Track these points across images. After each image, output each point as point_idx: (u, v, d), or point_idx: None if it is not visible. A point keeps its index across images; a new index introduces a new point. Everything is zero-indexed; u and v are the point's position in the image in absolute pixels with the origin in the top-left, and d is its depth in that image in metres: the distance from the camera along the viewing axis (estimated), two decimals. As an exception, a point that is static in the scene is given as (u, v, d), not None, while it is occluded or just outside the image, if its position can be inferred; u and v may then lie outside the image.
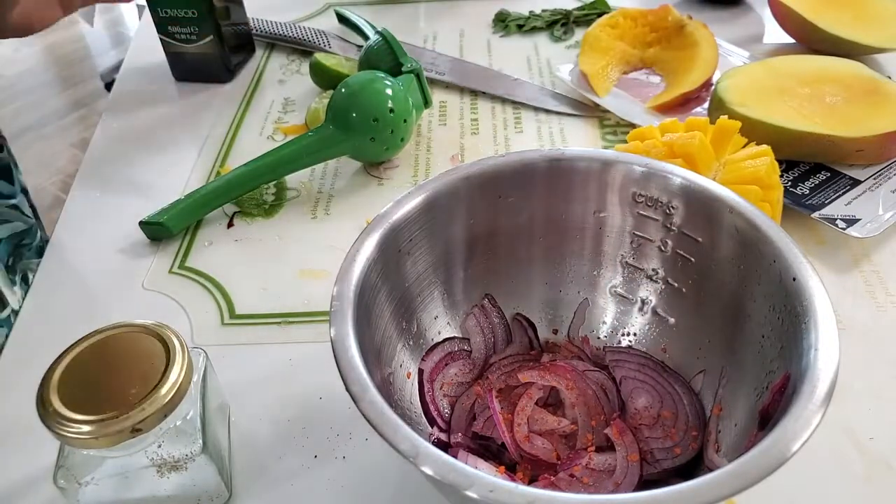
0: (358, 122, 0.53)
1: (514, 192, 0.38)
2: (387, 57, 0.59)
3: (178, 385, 0.32)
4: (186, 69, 0.68)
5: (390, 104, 0.53)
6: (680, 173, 0.36)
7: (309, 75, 0.66)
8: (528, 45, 0.72)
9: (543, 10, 0.76)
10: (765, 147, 0.45)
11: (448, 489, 0.26)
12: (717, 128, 0.45)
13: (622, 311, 0.40)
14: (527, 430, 0.36)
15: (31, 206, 0.72)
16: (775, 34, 0.70)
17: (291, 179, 0.56)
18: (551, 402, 0.38)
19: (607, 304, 0.40)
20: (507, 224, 0.39)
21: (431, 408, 0.37)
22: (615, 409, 0.37)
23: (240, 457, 0.38)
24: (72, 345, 0.33)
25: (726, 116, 0.46)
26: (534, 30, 0.74)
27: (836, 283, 0.45)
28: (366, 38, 0.68)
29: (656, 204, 0.37)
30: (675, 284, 0.38)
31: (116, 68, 0.89)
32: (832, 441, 0.37)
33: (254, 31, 0.74)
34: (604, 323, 0.40)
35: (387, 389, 0.33)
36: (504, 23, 0.75)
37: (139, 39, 0.79)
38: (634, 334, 0.39)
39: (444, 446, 0.36)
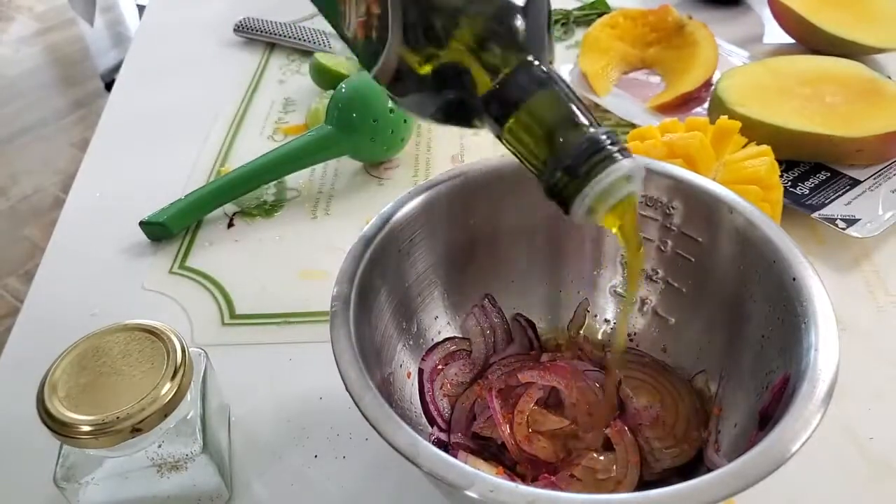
0: (358, 122, 0.53)
1: (514, 192, 0.38)
2: (387, 57, 0.59)
3: (178, 385, 0.32)
4: None
5: (390, 104, 0.53)
6: (680, 173, 0.36)
7: (309, 75, 0.66)
8: (528, 45, 0.72)
9: (543, 11, 0.76)
10: (765, 147, 0.45)
11: (448, 489, 0.26)
12: (717, 128, 0.45)
13: (622, 310, 0.40)
14: (527, 430, 0.36)
15: None
16: (775, 34, 0.70)
17: (291, 179, 0.56)
18: (551, 402, 0.37)
19: (607, 304, 0.40)
20: (507, 224, 0.39)
21: (431, 408, 0.37)
22: (615, 408, 0.37)
23: (240, 457, 0.38)
24: (72, 345, 0.33)
25: (726, 116, 0.46)
26: (534, 30, 0.74)
27: (836, 284, 0.45)
28: (366, 38, 0.68)
29: (656, 204, 0.37)
30: (675, 284, 0.38)
31: (116, 68, 0.89)
32: (832, 441, 0.37)
33: (254, 32, 0.74)
34: (604, 322, 0.40)
35: (387, 389, 0.33)
36: (504, 23, 0.75)
37: (139, 39, 0.79)
38: (635, 334, 0.39)
39: (443, 446, 0.36)
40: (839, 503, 0.35)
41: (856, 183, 0.50)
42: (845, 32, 0.62)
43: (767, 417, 0.29)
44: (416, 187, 0.37)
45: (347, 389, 0.28)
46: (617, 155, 0.26)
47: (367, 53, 0.29)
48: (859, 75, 0.55)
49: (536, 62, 0.27)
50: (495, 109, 0.27)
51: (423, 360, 0.38)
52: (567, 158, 0.26)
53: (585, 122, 0.26)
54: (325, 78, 0.64)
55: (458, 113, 0.28)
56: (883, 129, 0.50)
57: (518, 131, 0.27)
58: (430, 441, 0.28)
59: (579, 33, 0.72)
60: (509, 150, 0.27)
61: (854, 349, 0.41)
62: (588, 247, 0.40)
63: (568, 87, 0.27)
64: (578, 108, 0.26)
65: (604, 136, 0.26)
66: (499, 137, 0.27)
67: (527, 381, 0.37)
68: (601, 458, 0.34)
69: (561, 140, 0.26)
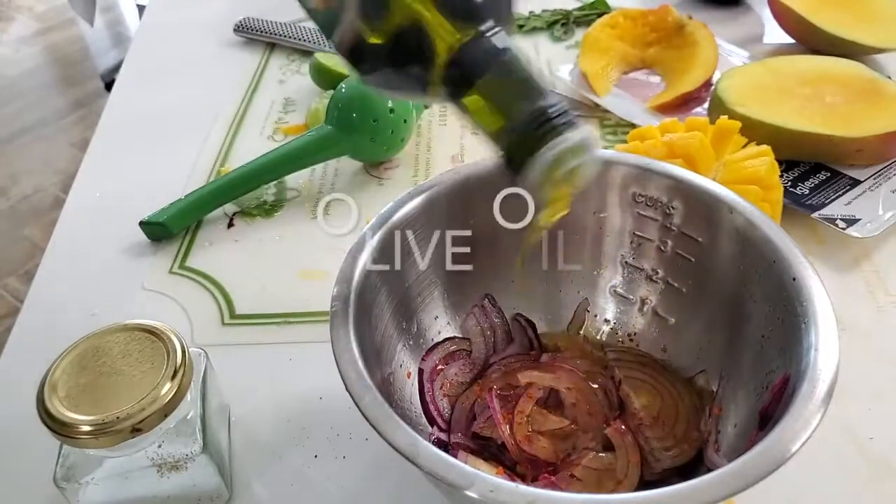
0: (358, 123, 0.53)
1: (514, 192, 0.38)
2: (387, 57, 0.59)
3: (178, 385, 0.32)
4: None
5: (390, 104, 0.53)
6: (680, 173, 0.36)
7: (309, 75, 0.66)
8: (528, 45, 0.72)
9: (543, 11, 0.76)
10: (765, 147, 0.45)
11: (448, 489, 0.26)
12: (717, 128, 0.45)
13: (622, 310, 0.40)
14: (527, 430, 0.36)
15: None
16: (775, 34, 0.70)
17: (291, 179, 0.56)
18: (551, 402, 0.37)
19: (607, 304, 0.40)
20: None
21: (431, 408, 0.37)
22: (615, 408, 0.37)
23: (240, 457, 0.38)
24: (72, 345, 0.33)
25: (726, 116, 0.46)
26: (534, 30, 0.74)
27: (836, 284, 0.45)
28: (366, 38, 0.68)
29: (656, 204, 0.37)
30: (675, 284, 0.38)
31: (116, 68, 0.89)
32: (832, 441, 0.37)
33: (254, 32, 0.74)
34: (604, 322, 0.40)
35: (387, 389, 0.33)
36: (504, 23, 0.75)
37: (139, 39, 0.79)
38: (635, 334, 0.39)
39: (443, 446, 0.36)
40: (839, 503, 0.35)
41: (856, 183, 0.50)
42: (845, 32, 0.62)
43: (767, 417, 0.29)
44: (416, 187, 0.37)
45: (347, 389, 0.28)
46: (567, 127, 0.26)
47: (327, 24, 0.29)
48: (859, 75, 0.55)
49: (493, 32, 0.27)
50: (452, 82, 0.27)
51: (423, 360, 0.38)
52: (518, 129, 0.26)
53: (539, 93, 0.26)
54: (325, 78, 0.64)
55: (415, 85, 0.28)
56: (883, 129, 0.50)
57: (474, 104, 0.27)
58: (430, 441, 0.28)
59: (579, 33, 0.72)
60: (466, 120, 0.28)
61: (854, 349, 0.41)
62: (588, 247, 0.40)
63: (524, 58, 0.27)
64: (533, 80, 0.27)
65: (556, 108, 0.26)
66: (456, 108, 0.28)
67: (527, 381, 0.37)
68: (601, 457, 0.34)
69: (515, 112, 0.26)
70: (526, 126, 0.26)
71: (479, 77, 0.26)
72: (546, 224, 0.31)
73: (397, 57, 0.27)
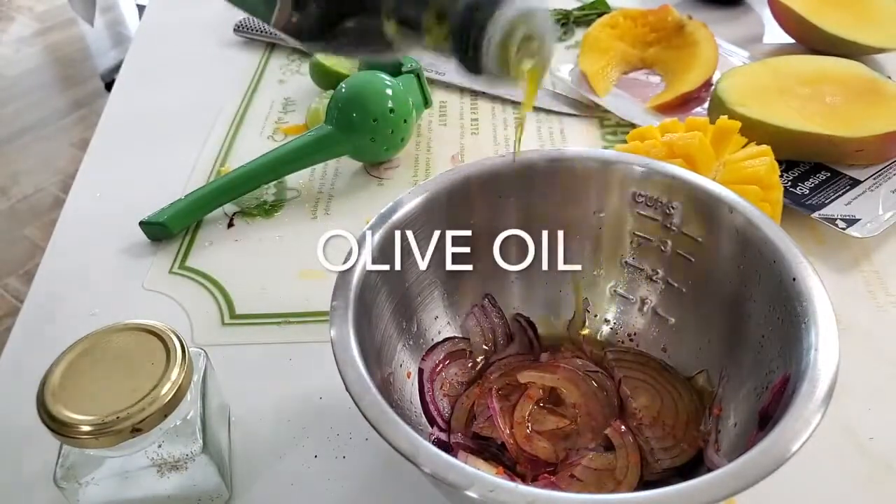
0: (358, 123, 0.53)
1: (514, 192, 0.38)
2: (387, 57, 0.59)
3: (178, 385, 0.32)
4: None
5: (390, 104, 0.53)
6: (680, 173, 0.36)
7: (309, 75, 0.66)
8: (528, 45, 0.72)
9: (543, 11, 0.76)
10: (765, 147, 0.45)
11: (448, 489, 0.26)
12: (716, 128, 0.45)
13: (622, 311, 0.40)
14: (526, 430, 0.36)
15: None
16: (775, 34, 0.70)
17: (291, 179, 0.56)
18: (551, 402, 0.38)
19: (607, 304, 0.40)
20: (507, 224, 0.39)
21: (431, 408, 0.37)
22: (615, 408, 0.37)
23: (240, 457, 0.38)
24: (72, 345, 0.33)
25: (726, 116, 0.46)
26: (534, 30, 0.74)
27: (836, 284, 0.45)
28: (366, 38, 0.68)
29: (656, 204, 0.37)
30: (675, 284, 0.38)
31: (116, 68, 0.89)
32: (832, 441, 0.37)
33: (254, 32, 0.74)
34: (604, 322, 0.40)
35: (387, 389, 0.33)
36: (504, 23, 0.75)
37: (139, 39, 0.79)
38: (635, 334, 0.39)
39: (443, 446, 0.36)
40: (839, 503, 0.35)
41: (856, 183, 0.50)
42: (845, 32, 0.62)
43: (767, 417, 0.29)
44: (416, 187, 0.37)
45: (347, 389, 0.28)
46: (504, 3, 0.25)
47: (255, 8, 0.29)
48: (859, 75, 0.55)
49: None
50: (404, 15, 0.27)
51: (423, 360, 0.38)
52: (459, 21, 0.25)
53: None
54: (325, 78, 0.64)
55: (364, 37, 0.28)
56: (883, 129, 0.50)
57: (432, 27, 0.26)
58: (430, 441, 0.28)
59: (579, 33, 0.72)
60: (433, 52, 0.27)
61: (854, 349, 0.41)
62: (588, 247, 0.40)
63: None
64: None
65: None
66: (414, 43, 0.27)
67: (527, 381, 0.37)
68: (601, 457, 0.34)
69: (454, 8, 0.26)
70: (464, 15, 0.25)
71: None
72: (527, 107, 0.30)
73: (338, 11, 0.27)
